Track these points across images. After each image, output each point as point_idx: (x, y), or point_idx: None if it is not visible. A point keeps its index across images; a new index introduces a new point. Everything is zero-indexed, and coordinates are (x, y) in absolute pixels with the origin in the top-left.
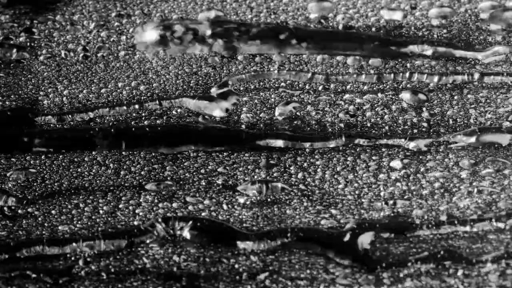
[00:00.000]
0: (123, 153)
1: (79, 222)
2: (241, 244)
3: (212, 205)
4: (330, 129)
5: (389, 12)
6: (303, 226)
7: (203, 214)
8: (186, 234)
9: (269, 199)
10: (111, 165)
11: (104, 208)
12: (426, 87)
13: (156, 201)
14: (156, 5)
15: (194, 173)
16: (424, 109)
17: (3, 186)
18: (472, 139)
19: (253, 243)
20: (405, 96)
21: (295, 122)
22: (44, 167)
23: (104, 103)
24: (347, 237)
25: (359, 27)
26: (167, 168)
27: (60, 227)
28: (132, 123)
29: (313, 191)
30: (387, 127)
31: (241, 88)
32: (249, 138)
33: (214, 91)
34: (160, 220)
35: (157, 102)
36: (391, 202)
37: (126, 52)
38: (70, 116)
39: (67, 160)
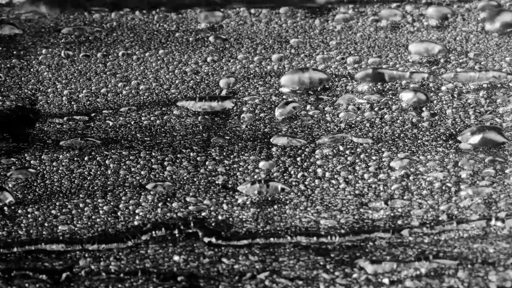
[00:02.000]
0: (123, 152)
1: (79, 222)
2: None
3: (212, 205)
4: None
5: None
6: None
7: (203, 214)
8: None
9: (269, 199)
10: (111, 165)
11: (104, 208)
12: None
13: (156, 201)
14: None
15: (194, 173)
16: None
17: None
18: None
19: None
20: (405, 96)
21: (294, 122)
22: (44, 167)
23: (103, 103)
24: None
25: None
26: (167, 168)
27: (60, 227)
28: (132, 122)
29: (313, 191)
30: (387, 127)
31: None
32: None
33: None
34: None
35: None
36: (391, 202)
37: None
38: (69, 116)
39: (67, 160)
